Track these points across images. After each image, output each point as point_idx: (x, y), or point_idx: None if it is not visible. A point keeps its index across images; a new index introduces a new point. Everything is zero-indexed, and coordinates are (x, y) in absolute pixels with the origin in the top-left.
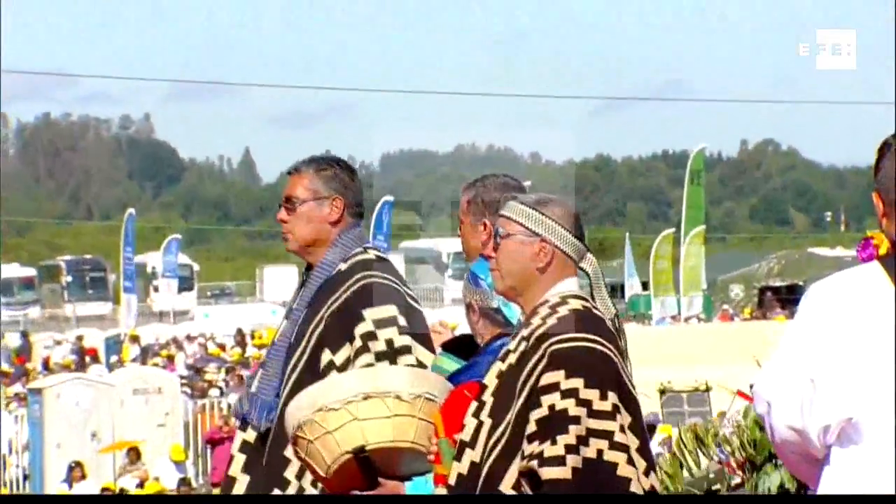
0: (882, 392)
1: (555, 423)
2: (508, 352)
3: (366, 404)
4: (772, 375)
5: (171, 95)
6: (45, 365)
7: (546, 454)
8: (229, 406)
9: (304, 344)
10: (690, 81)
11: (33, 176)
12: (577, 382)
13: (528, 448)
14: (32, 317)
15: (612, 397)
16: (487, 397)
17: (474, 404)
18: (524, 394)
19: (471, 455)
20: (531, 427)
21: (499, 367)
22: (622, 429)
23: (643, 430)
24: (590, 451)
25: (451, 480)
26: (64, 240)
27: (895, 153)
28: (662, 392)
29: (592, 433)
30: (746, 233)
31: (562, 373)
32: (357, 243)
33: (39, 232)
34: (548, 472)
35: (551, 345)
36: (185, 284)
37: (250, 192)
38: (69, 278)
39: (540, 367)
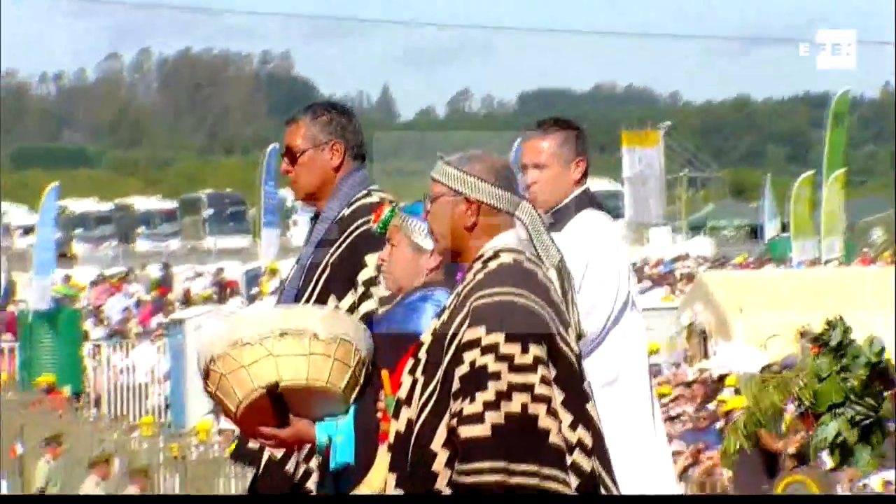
0: None
1: (475, 380)
2: (444, 308)
3: (282, 341)
4: None
5: (311, 32)
6: (186, 297)
7: (465, 412)
8: None
9: (310, 290)
10: (833, 21)
11: (174, 110)
12: (497, 337)
13: (453, 406)
14: (173, 249)
15: (534, 349)
16: (422, 354)
17: (411, 361)
18: (451, 350)
19: (407, 413)
20: (455, 384)
21: (434, 323)
22: (543, 381)
23: (574, 383)
24: (513, 406)
25: (391, 438)
26: (204, 173)
27: None
28: (802, 335)
29: (514, 387)
30: (888, 177)
31: (483, 328)
32: (360, 187)
33: (180, 166)
34: (466, 431)
35: (475, 300)
36: None
37: (388, 129)
38: (209, 212)
39: (465, 324)
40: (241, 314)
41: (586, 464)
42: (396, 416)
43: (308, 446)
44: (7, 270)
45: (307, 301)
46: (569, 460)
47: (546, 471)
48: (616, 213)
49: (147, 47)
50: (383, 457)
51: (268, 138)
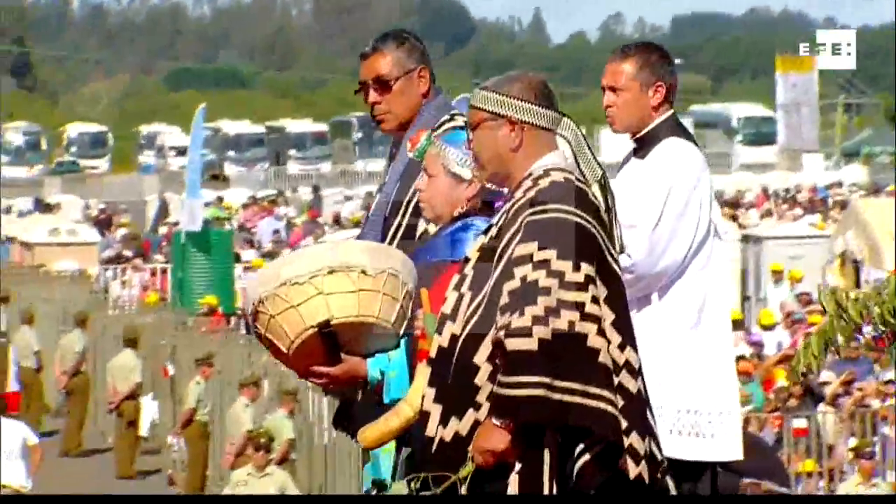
0: None
1: (525, 295)
2: (491, 226)
3: (331, 278)
4: None
5: None
6: (336, 220)
7: (513, 325)
8: None
9: (399, 216)
10: None
11: (327, 33)
12: (549, 254)
13: (500, 320)
14: (323, 172)
15: (586, 268)
16: (468, 270)
17: (456, 277)
18: (500, 265)
19: (451, 328)
20: (504, 299)
21: (482, 240)
22: (594, 300)
23: (623, 303)
24: (561, 322)
25: (433, 353)
26: (355, 97)
27: None
28: None
29: (564, 304)
30: None
31: (535, 244)
32: (443, 112)
33: (331, 88)
34: (513, 343)
35: (527, 216)
36: None
37: (539, 52)
38: (360, 134)
39: (516, 239)
40: (286, 254)
41: (633, 385)
42: (440, 331)
43: None
44: (161, 191)
45: (397, 231)
46: (616, 381)
47: (593, 389)
48: (770, 139)
49: None
50: (422, 373)
51: None
